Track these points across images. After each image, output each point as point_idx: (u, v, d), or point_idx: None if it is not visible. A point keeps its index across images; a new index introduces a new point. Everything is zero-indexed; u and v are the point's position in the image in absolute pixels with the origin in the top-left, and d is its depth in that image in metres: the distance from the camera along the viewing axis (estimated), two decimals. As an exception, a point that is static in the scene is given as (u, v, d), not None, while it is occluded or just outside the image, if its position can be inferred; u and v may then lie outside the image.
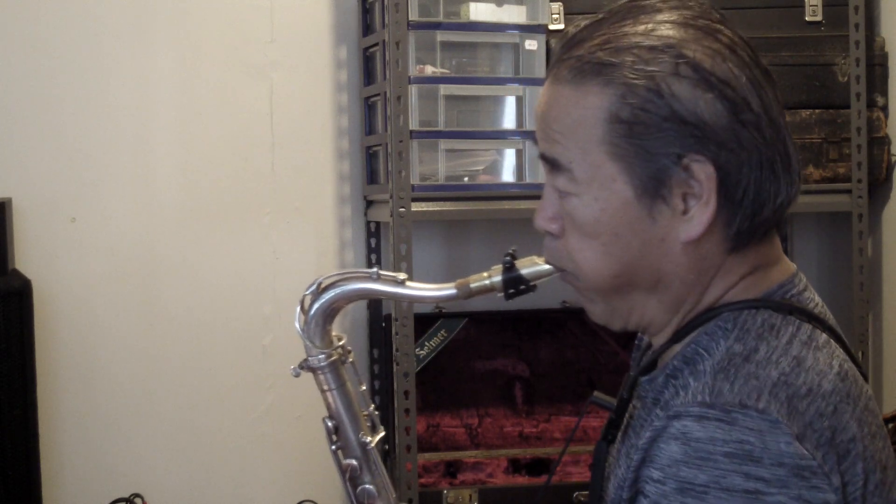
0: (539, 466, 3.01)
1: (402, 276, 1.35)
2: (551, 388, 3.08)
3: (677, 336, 1.15)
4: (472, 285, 1.28)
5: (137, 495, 2.93)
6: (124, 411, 2.96)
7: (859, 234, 2.95)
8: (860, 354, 2.95)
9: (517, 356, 3.09)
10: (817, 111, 2.97)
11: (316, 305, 1.39)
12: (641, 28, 1.12)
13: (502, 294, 1.27)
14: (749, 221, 1.12)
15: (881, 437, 1.12)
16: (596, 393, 1.21)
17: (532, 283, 1.26)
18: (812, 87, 2.98)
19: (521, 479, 2.97)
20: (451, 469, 2.99)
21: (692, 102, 1.09)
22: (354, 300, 1.41)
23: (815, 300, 1.17)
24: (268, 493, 3.06)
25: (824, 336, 1.12)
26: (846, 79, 2.97)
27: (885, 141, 3.01)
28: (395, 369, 2.71)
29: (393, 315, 2.73)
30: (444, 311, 3.05)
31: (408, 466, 2.72)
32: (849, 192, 2.97)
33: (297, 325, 1.41)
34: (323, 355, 1.41)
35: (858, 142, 2.95)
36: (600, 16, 1.15)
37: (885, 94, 3.03)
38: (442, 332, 3.03)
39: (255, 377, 3.04)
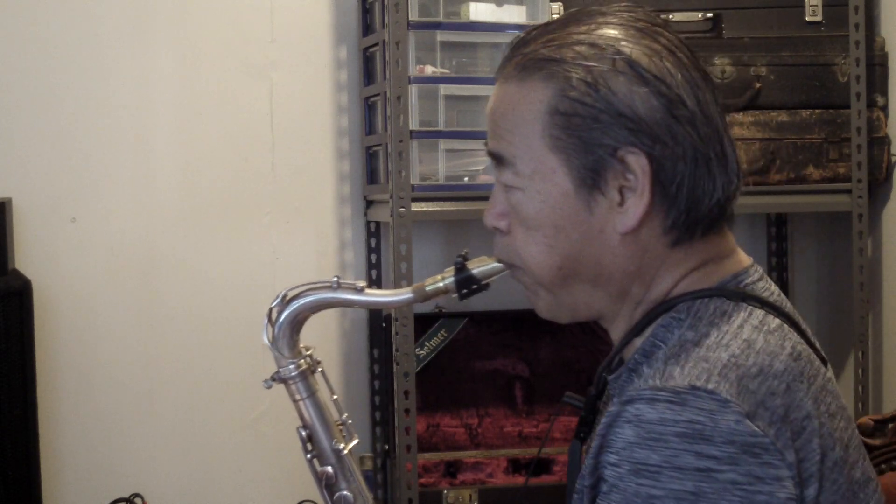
0: (539, 466, 3.01)
1: (360, 283, 1.40)
2: (551, 388, 3.08)
3: (636, 329, 1.18)
4: (427, 288, 1.35)
5: (137, 495, 2.93)
6: (124, 411, 2.96)
7: (859, 234, 2.95)
8: (860, 354, 2.95)
9: (517, 356, 3.09)
10: (817, 111, 2.97)
11: (282, 317, 1.43)
12: (584, 28, 1.17)
13: (456, 295, 1.33)
14: (685, 216, 1.15)
15: (843, 417, 1.15)
16: (567, 393, 1.24)
17: (484, 282, 1.32)
18: (812, 87, 2.98)
19: (521, 479, 2.97)
20: (451, 469, 2.99)
21: (628, 97, 1.13)
22: (318, 310, 1.45)
23: (770, 289, 1.20)
24: (268, 493, 3.06)
25: (777, 321, 1.15)
26: (846, 79, 2.97)
27: (885, 141, 3.01)
28: (395, 369, 2.71)
29: (393, 315, 2.73)
30: (444, 311, 3.05)
31: (408, 466, 2.72)
32: (849, 192, 2.97)
33: (266, 338, 1.45)
34: (292, 365, 1.45)
35: (858, 142, 2.95)
36: (550, 22, 1.21)
37: (885, 94, 3.03)
38: (442, 332, 3.03)
39: (255, 377, 3.01)
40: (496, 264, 1.28)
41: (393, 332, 2.72)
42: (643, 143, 1.13)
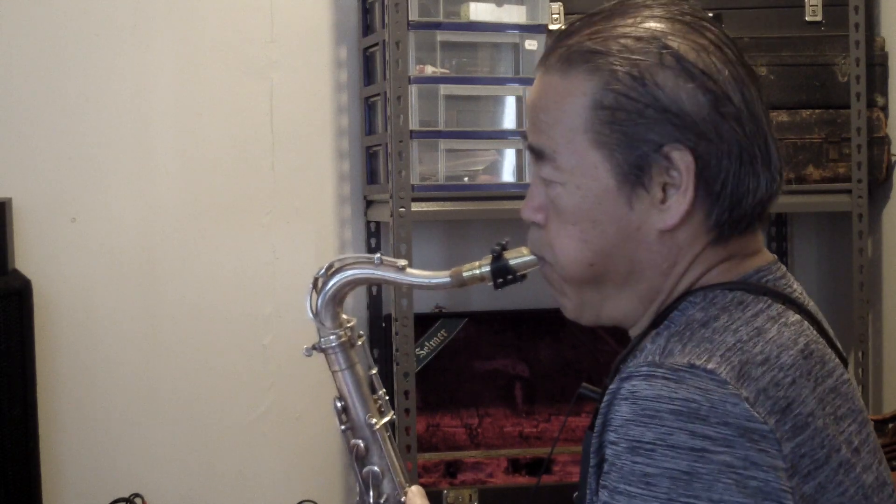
0: (539, 466, 3.01)
1: (402, 262, 1.42)
2: (551, 388, 3.08)
3: (656, 322, 1.16)
4: (465, 274, 1.36)
5: (137, 495, 2.93)
6: (124, 411, 2.96)
7: (859, 234, 2.95)
8: (860, 354, 2.95)
9: (517, 356, 3.09)
10: (817, 111, 2.97)
11: (328, 287, 1.45)
12: (629, 21, 1.15)
13: (491, 283, 1.34)
14: (728, 213, 1.14)
15: (856, 421, 1.13)
16: (584, 385, 1.22)
17: (520, 273, 1.32)
18: (812, 87, 2.98)
19: (521, 479, 2.97)
20: (451, 469, 2.99)
21: (674, 92, 1.11)
22: (360, 284, 1.48)
23: (793, 287, 1.19)
24: (268, 493, 3.06)
25: (797, 317, 1.14)
26: (846, 79, 2.97)
27: (885, 141, 3.01)
28: (395, 369, 2.71)
29: (393, 315, 2.73)
30: (444, 311, 3.05)
31: (408, 466, 2.72)
32: (849, 192, 2.97)
33: (308, 307, 1.46)
34: (333, 336, 1.46)
35: (858, 142, 2.95)
36: (595, 13, 1.19)
37: (885, 94, 3.03)
38: (442, 332, 3.03)
39: (255, 377, 3.04)
40: (533, 257, 1.27)
41: (393, 332, 2.72)
42: (688, 139, 1.11)
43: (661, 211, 1.13)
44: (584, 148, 1.14)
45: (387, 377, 2.90)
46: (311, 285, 1.45)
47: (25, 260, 2.84)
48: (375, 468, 1.47)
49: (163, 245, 2.98)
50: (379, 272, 1.43)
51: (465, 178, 2.82)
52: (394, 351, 2.71)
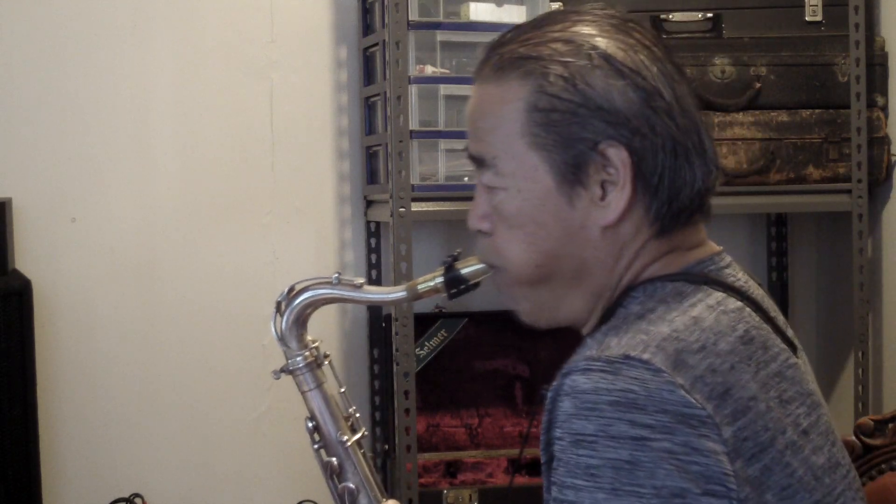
0: (539, 466, 3.00)
1: (359, 280, 1.46)
2: (551, 388, 3.08)
3: (603, 318, 1.18)
4: (419, 287, 1.41)
5: (137, 495, 2.93)
6: (124, 411, 2.96)
7: (859, 234, 2.95)
8: (860, 354, 2.94)
9: (517, 356, 3.09)
10: (817, 111, 2.97)
11: (288, 310, 1.48)
12: (559, 26, 1.19)
13: (446, 294, 1.38)
14: (667, 206, 1.16)
15: (804, 403, 1.14)
16: (544, 387, 1.24)
17: (472, 282, 1.37)
18: (812, 87, 2.98)
19: (522, 479, 2.97)
20: (451, 469, 2.99)
21: (606, 90, 1.14)
22: (320, 305, 1.50)
23: (737, 276, 1.21)
24: (268, 493, 3.06)
25: (737, 304, 1.15)
26: (846, 79, 2.97)
27: (885, 141, 3.01)
28: (395, 369, 2.71)
29: (393, 315, 2.73)
30: (444, 311, 3.05)
31: (408, 466, 2.72)
32: (849, 192, 2.97)
33: (273, 330, 1.49)
34: (299, 357, 1.50)
35: (858, 142, 2.95)
36: (525, 23, 1.22)
37: (885, 94, 3.03)
38: (442, 332, 3.03)
39: (255, 377, 3.03)
40: (483, 265, 1.31)
41: (393, 332, 2.72)
42: (622, 135, 1.14)
43: (601, 208, 1.16)
44: (523, 151, 1.17)
45: (387, 377, 2.91)
46: (274, 310, 1.48)
47: (25, 260, 2.84)
48: (351, 485, 1.50)
49: (163, 245, 2.98)
50: (337, 291, 1.46)
51: (465, 178, 2.81)
52: (394, 351, 2.71)
